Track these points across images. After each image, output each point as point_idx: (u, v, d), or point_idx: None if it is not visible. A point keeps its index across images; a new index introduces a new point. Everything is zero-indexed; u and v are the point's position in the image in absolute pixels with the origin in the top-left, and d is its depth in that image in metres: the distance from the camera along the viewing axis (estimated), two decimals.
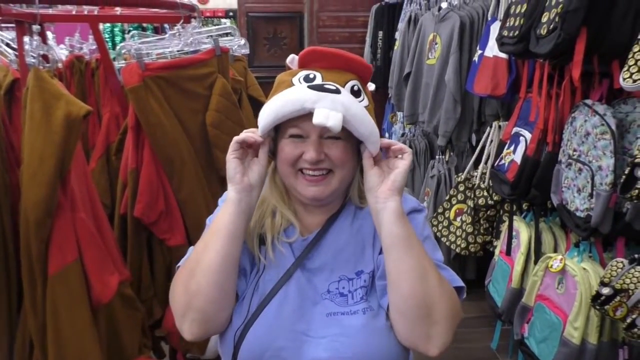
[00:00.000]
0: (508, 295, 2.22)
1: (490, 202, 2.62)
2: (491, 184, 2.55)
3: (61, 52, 2.02)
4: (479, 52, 2.54)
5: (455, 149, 3.10)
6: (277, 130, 1.01)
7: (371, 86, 1.08)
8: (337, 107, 0.90)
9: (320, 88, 0.93)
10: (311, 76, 0.99)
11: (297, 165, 0.99)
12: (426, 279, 0.91)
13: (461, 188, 2.75)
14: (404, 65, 3.41)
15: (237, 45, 1.83)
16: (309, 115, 0.91)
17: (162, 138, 1.52)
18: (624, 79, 1.49)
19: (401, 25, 3.66)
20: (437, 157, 3.18)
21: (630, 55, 1.48)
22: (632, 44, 1.49)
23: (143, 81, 1.46)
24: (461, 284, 0.99)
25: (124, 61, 1.69)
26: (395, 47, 3.63)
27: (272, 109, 0.95)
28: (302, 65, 1.03)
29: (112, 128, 1.86)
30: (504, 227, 2.39)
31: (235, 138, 0.97)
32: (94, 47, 1.97)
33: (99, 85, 1.91)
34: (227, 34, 1.80)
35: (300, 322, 0.96)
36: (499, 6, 2.51)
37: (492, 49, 2.43)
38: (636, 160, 1.46)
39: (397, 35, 3.73)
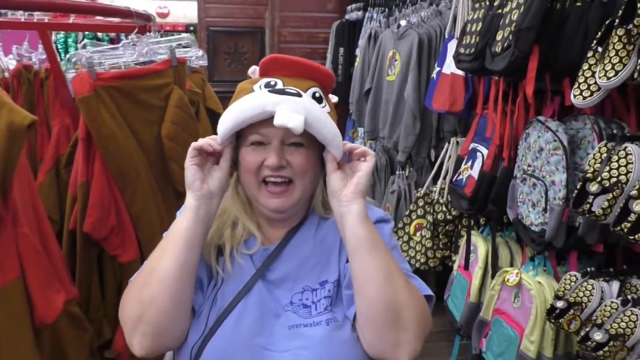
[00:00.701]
0: (466, 310, 2.23)
1: (449, 216, 2.65)
2: (450, 199, 2.57)
3: (9, 62, 1.94)
4: (437, 69, 2.58)
5: (415, 164, 3.13)
6: (239, 138, 0.98)
7: (334, 98, 1.07)
8: (299, 109, 0.89)
9: (281, 92, 0.92)
10: (272, 83, 0.98)
11: (260, 173, 0.97)
12: (393, 282, 0.89)
13: (420, 203, 2.77)
14: (365, 81, 3.44)
15: (195, 56, 1.79)
16: (270, 121, 0.89)
17: (114, 150, 1.46)
18: (575, 96, 1.53)
19: (361, 42, 3.70)
20: (397, 172, 3.21)
21: (580, 74, 1.53)
22: (582, 63, 1.54)
23: (94, 91, 1.41)
24: (430, 292, 0.97)
25: (74, 71, 1.63)
26: (356, 64, 3.67)
27: (232, 115, 0.92)
28: (264, 73, 1.02)
29: (62, 140, 1.79)
30: (462, 242, 2.41)
31: (193, 144, 0.94)
32: (44, 56, 1.90)
33: (49, 95, 1.84)
34: (184, 46, 1.77)
35: (260, 335, 0.93)
36: (455, 24, 2.56)
37: (449, 66, 2.47)
38: (587, 175, 1.50)
39: (358, 51, 3.76)
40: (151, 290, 0.89)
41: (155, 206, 1.55)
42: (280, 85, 0.97)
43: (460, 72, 2.41)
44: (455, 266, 2.43)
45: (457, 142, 2.64)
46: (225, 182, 0.98)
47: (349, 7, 4.22)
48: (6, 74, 1.72)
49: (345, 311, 0.96)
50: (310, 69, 1.01)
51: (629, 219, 1.36)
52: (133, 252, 1.52)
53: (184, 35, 1.71)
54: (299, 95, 0.92)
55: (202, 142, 0.95)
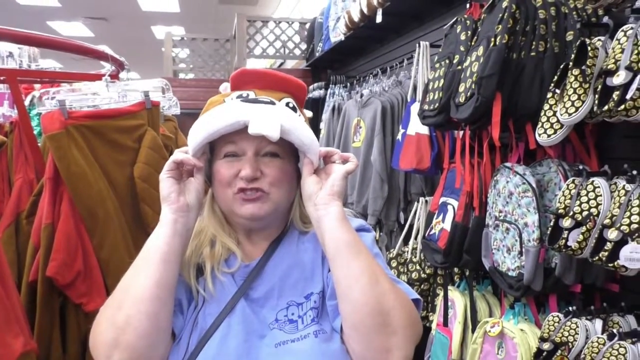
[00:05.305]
0: None
1: (423, 275, 2.61)
2: (423, 257, 2.55)
3: None
4: (402, 131, 2.67)
5: (385, 227, 3.13)
6: (212, 152, 0.96)
7: (308, 113, 1.08)
8: (273, 117, 0.87)
9: (254, 101, 0.92)
10: (244, 95, 0.97)
11: (234, 185, 0.93)
12: (378, 285, 0.84)
13: (394, 264, 2.73)
14: None
15: (169, 105, 1.80)
16: (243, 132, 0.87)
17: (84, 189, 1.40)
18: (539, 135, 1.60)
19: (325, 115, 3.82)
20: None
21: (542, 114, 1.61)
22: (542, 106, 1.63)
23: (65, 129, 1.37)
24: (417, 296, 0.93)
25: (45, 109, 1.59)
26: (321, 135, 3.76)
27: (204, 126, 0.89)
28: (235, 87, 1.01)
29: (23, 195, 1.71)
30: (439, 299, 2.36)
31: (173, 158, 0.91)
32: (9, 113, 1.86)
33: (12, 149, 1.78)
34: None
35: (246, 358, 0.85)
36: (416, 91, 2.69)
37: (413, 127, 2.56)
38: (559, 212, 1.53)
39: (322, 125, 3.87)
40: (126, 311, 0.82)
41: (126, 250, 1.46)
42: (252, 96, 0.96)
43: (425, 132, 2.49)
44: (434, 325, 2.36)
45: (426, 201, 2.67)
46: (201, 194, 0.94)
47: (310, 87, 4.40)
48: None
49: (332, 322, 0.91)
50: (282, 81, 1.00)
51: (606, 247, 1.38)
52: (100, 300, 1.40)
53: (156, 80, 1.72)
54: (273, 103, 0.92)
55: (182, 156, 0.92)
